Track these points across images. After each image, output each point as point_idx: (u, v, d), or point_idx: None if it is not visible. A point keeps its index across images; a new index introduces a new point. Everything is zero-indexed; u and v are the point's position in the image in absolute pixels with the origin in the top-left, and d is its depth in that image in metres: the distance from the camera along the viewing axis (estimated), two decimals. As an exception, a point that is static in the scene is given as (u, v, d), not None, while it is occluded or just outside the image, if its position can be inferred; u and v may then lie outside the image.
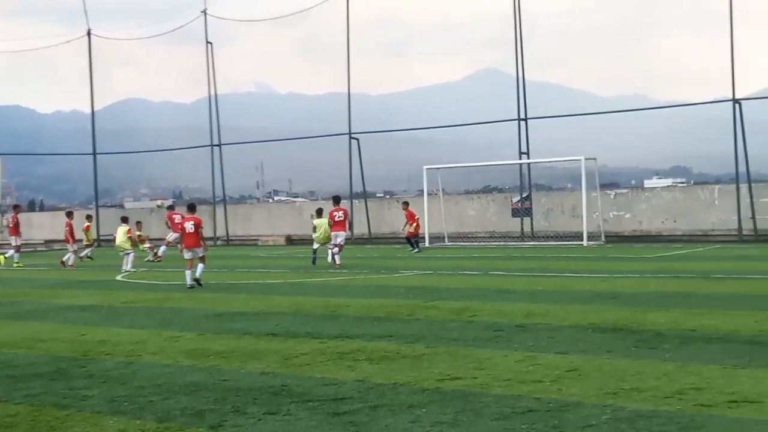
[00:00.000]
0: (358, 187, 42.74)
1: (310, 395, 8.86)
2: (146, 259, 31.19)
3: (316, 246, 27.54)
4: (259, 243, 43.21)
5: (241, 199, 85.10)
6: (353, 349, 11.38)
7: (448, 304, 15.74)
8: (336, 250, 26.45)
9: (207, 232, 45.17)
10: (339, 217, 26.95)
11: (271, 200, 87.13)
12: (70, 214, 33.10)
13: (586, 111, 44.52)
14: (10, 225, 33.52)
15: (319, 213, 28.25)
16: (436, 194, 38.51)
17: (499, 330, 12.57)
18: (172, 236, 31.19)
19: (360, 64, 42.27)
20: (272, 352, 11.47)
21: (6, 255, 33.20)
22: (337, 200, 28.15)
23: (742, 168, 32.63)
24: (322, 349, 11.54)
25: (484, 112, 52.98)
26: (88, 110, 50.85)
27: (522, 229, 36.87)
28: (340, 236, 26.84)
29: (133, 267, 27.31)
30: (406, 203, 34.76)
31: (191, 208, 22.41)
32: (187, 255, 20.60)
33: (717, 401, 7.95)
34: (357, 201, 42.02)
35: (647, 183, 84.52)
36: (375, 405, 8.34)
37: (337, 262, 25.96)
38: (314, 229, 27.52)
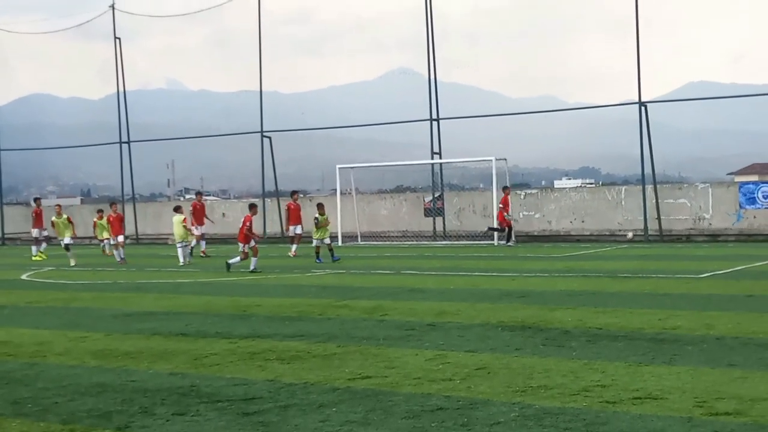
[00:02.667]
0: (270, 186, 42.49)
1: (219, 395, 8.78)
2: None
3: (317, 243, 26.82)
4: (170, 242, 42.57)
5: (152, 197, 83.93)
6: (264, 349, 11.32)
7: (360, 303, 15.77)
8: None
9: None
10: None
11: (182, 198, 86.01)
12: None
13: (497, 112, 44.96)
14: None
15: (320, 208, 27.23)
16: (349, 193, 38.53)
17: (410, 329, 12.64)
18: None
19: (272, 61, 42.07)
20: (182, 352, 11.33)
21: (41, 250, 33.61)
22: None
23: (648, 169, 33.41)
24: (233, 349, 11.45)
25: (398, 111, 53.26)
26: (-9, 105, 49.57)
27: (434, 228, 37.14)
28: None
29: (188, 259, 27.48)
30: (505, 187, 33.46)
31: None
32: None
33: (621, 398, 8.14)
34: (269, 200, 41.78)
35: (557, 183, 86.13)
36: (285, 405, 8.31)
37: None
38: (316, 225, 26.51)
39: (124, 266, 27.32)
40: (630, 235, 27.28)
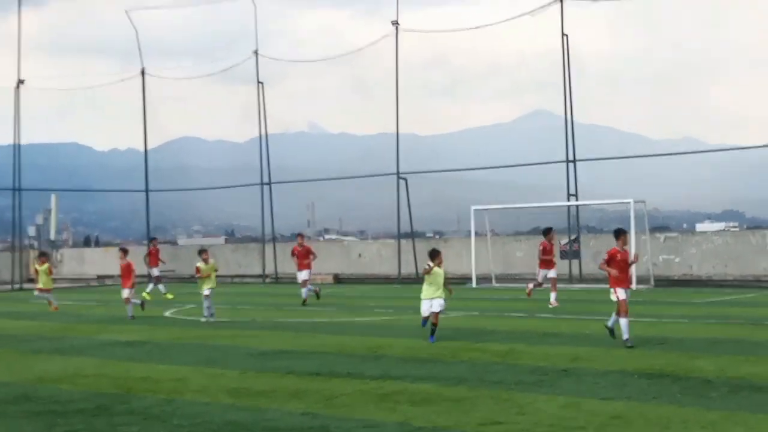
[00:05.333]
0: (405, 227, 42.72)
1: (348, 437, 8.81)
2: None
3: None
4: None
5: (292, 238, 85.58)
6: (395, 391, 11.31)
7: (492, 347, 15.60)
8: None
9: (256, 269, 45.62)
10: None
11: (321, 239, 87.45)
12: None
13: (636, 153, 44.04)
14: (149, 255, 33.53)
15: (433, 256, 18.28)
16: (484, 235, 38.31)
17: (543, 374, 12.41)
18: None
19: (409, 104, 42.37)
20: (314, 391, 11.43)
21: (147, 290, 30.61)
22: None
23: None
24: (364, 389, 11.48)
25: (533, 153, 52.82)
26: (142, 148, 51.55)
27: (570, 271, 36.47)
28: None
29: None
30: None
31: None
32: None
33: (764, 452, 7.76)
34: (405, 241, 41.98)
35: (699, 227, 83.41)
36: (414, 448, 8.26)
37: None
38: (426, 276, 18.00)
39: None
40: None
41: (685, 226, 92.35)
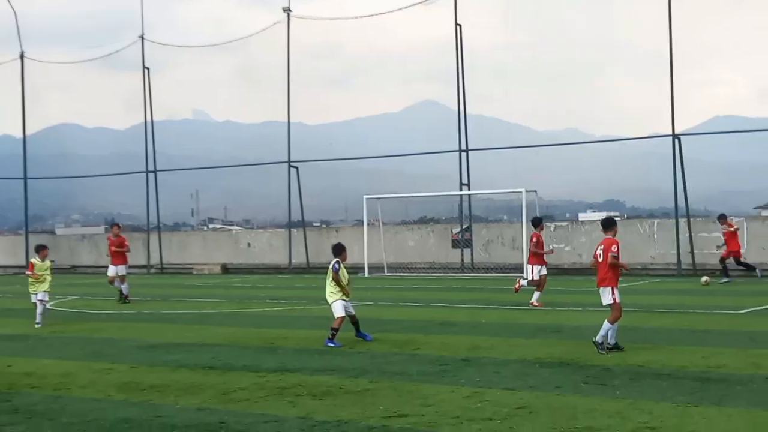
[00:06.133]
0: (295, 216, 42.24)
1: (249, 433, 8.41)
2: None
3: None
4: (194, 271, 42.41)
5: (176, 227, 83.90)
6: (294, 384, 10.95)
7: (390, 337, 15.37)
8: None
9: (141, 259, 44.47)
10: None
11: (206, 228, 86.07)
12: None
13: (523, 144, 44.57)
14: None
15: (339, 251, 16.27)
16: (373, 224, 38.18)
17: (444, 364, 12.23)
18: None
19: (299, 93, 41.81)
20: (209, 386, 10.97)
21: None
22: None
23: (681, 202, 32.88)
24: (261, 383, 11.08)
25: (423, 143, 53.02)
26: (19, 134, 49.65)
27: (462, 260, 36.68)
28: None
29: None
30: (722, 216, 29.34)
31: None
32: None
33: (675, 441, 7.70)
34: (295, 230, 41.50)
35: (581, 216, 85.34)
36: (319, 444, 7.93)
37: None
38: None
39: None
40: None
41: (568, 215, 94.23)
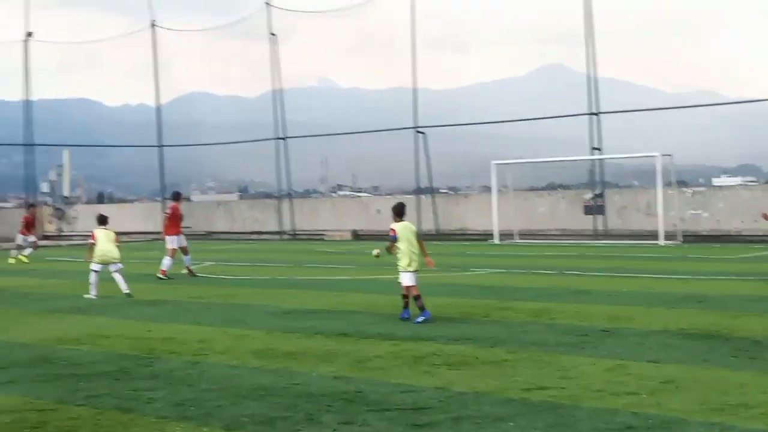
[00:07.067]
0: (422, 183, 42.08)
1: (387, 403, 8.28)
2: None
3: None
4: (326, 238, 42.80)
5: (306, 194, 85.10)
6: (429, 353, 10.78)
7: (525, 305, 15.04)
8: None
9: (273, 226, 45.19)
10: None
11: (335, 195, 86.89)
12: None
13: (655, 107, 43.15)
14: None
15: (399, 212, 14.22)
16: (502, 191, 37.69)
17: (582, 335, 11.86)
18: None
19: (423, 59, 41.43)
20: (344, 353, 10.91)
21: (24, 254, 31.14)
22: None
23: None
24: (397, 351, 10.95)
25: (549, 108, 51.83)
26: (153, 103, 50.92)
27: (595, 227, 35.88)
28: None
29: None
30: None
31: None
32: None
33: (840, 422, 7.19)
34: (424, 196, 41.37)
35: (715, 181, 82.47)
36: (458, 416, 7.74)
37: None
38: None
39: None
40: None
41: (701, 180, 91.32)
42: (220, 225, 47.74)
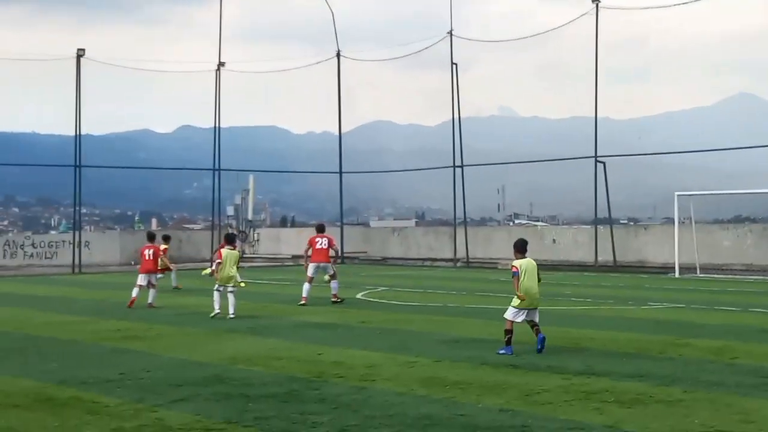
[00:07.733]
0: (601, 213, 41.13)
1: (553, 440, 8.04)
2: None
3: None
4: (499, 266, 42.43)
5: (482, 222, 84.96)
6: (601, 389, 10.43)
7: (704, 343, 14.37)
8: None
9: (447, 253, 45.22)
10: (321, 244, 22.91)
11: (511, 223, 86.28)
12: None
13: None
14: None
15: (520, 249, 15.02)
16: (684, 223, 36.33)
17: (766, 376, 11.20)
18: None
19: (605, 87, 40.75)
20: (512, 386, 10.70)
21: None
22: (320, 229, 23.60)
23: None
24: (566, 386, 10.65)
25: (735, 138, 49.84)
26: (336, 131, 52.03)
27: (787, 263, 34.06)
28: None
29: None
30: None
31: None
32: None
33: None
34: (601, 227, 40.43)
35: None
36: (628, 457, 7.41)
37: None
38: None
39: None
40: None
41: None
42: (395, 251, 48.18)
